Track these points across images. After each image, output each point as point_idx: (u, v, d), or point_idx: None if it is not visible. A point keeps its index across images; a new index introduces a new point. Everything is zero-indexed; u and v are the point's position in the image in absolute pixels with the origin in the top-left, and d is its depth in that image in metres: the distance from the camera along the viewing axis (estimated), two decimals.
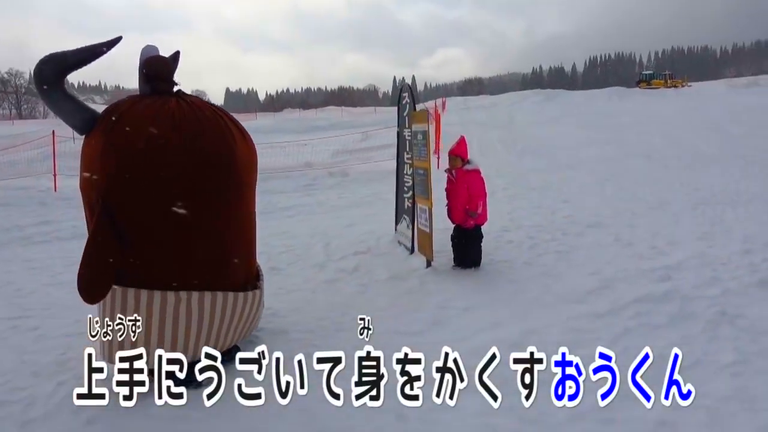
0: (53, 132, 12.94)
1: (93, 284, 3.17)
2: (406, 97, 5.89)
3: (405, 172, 6.03)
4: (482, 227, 5.21)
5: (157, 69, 3.50)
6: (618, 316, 3.89)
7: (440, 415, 2.85)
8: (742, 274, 4.59)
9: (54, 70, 3.20)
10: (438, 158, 13.27)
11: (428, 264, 5.24)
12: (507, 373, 3.16)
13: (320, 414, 2.91)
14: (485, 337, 3.68)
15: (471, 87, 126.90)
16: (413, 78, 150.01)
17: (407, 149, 5.95)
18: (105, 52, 3.36)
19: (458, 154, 5.08)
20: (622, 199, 8.27)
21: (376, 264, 5.50)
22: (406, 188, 6.03)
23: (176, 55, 3.67)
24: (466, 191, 4.97)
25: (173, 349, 3.15)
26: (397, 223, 6.36)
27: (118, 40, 3.43)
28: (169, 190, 3.15)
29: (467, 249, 5.14)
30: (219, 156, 3.28)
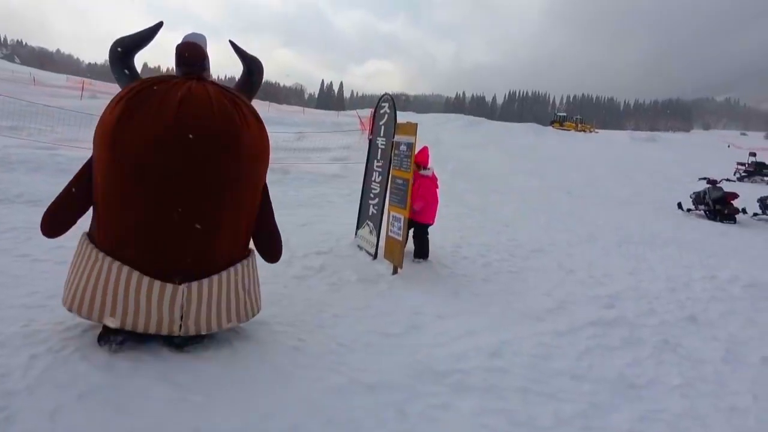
0: None
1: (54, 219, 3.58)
2: (385, 107, 6.05)
3: (373, 179, 6.18)
4: (429, 227, 6.08)
5: (184, 54, 3.52)
6: (577, 335, 4.26)
7: (438, 413, 3.01)
8: (673, 308, 5.18)
9: (114, 51, 3.49)
10: None
11: (395, 271, 5.41)
12: (493, 378, 3.43)
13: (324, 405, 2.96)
14: (464, 344, 3.91)
15: (397, 102, 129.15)
16: (341, 84, 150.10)
17: (378, 157, 6.11)
18: (151, 38, 3.62)
19: (419, 161, 5.75)
20: (555, 229, 8.92)
21: (341, 265, 5.59)
22: (372, 195, 6.18)
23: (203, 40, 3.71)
24: (417, 191, 5.59)
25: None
26: (358, 227, 6.48)
27: (159, 25, 3.65)
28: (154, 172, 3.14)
29: (419, 242, 5.96)
30: (218, 137, 3.21)
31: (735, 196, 11.79)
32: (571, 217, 10.64)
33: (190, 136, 3.12)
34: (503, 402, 3.16)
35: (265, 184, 3.78)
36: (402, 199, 5.30)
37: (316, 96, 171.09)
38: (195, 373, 3.11)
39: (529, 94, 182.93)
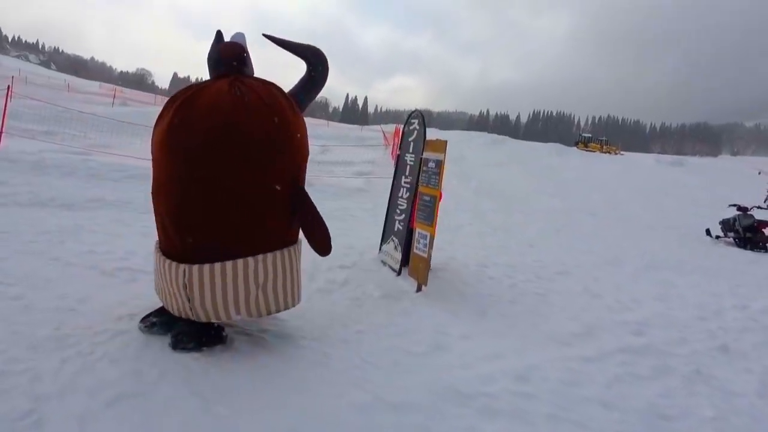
0: (8, 87, 12.12)
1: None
2: (415, 123, 6.07)
3: (400, 195, 6.18)
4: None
5: (219, 54, 3.62)
6: (606, 362, 4.16)
7: None
8: (704, 338, 5.04)
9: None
10: None
11: (419, 288, 5.38)
12: (520, 403, 3.36)
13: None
14: (490, 367, 3.85)
15: None
16: (366, 99, 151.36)
17: (406, 173, 6.12)
18: None
19: None
20: (580, 251, 8.80)
21: (365, 280, 5.58)
22: (398, 211, 6.17)
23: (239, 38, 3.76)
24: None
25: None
26: (383, 242, 6.47)
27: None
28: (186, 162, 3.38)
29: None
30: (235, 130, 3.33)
31: (767, 224, 11.51)
32: (596, 239, 10.50)
33: (183, 133, 3.38)
34: (531, 428, 3.08)
35: (298, 179, 3.70)
36: (428, 216, 5.28)
37: (341, 110, 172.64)
38: (220, 385, 3.11)
39: (554, 113, 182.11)
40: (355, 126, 58.15)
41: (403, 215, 6.01)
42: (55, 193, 7.92)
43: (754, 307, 6.23)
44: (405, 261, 5.84)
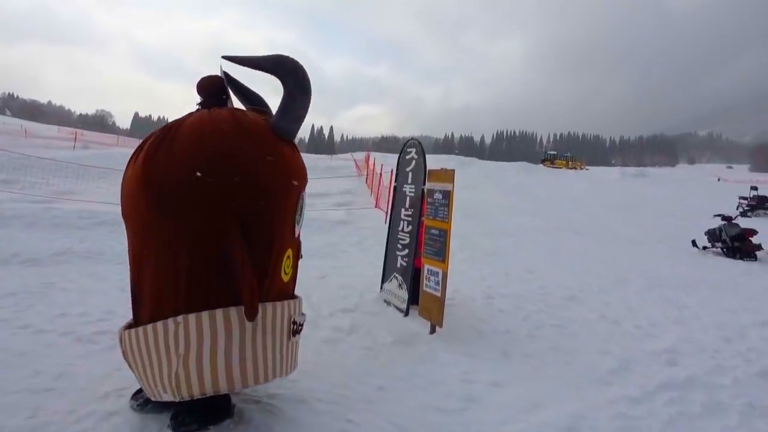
0: None
1: None
2: (412, 152, 5.72)
3: (401, 228, 5.79)
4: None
5: (198, 86, 3.20)
6: (653, 402, 3.80)
7: None
8: (739, 362, 4.75)
9: None
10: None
11: (433, 329, 4.96)
12: None
13: None
14: (533, 420, 3.44)
15: (386, 144, 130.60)
16: (331, 128, 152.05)
17: (406, 205, 5.74)
18: None
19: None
20: (579, 273, 8.52)
21: (372, 325, 5.12)
22: (400, 246, 5.77)
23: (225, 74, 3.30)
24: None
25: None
26: (384, 281, 6.04)
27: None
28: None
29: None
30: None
31: (753, 232, 11.52)
32: (589, 259, 10.26)
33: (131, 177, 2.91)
34: None
35: (240, 214, 2.81)
36: (439, 251, 4.89)
37: (307, 141, 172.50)
38: None
39: (517, 133, 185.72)
40: (324, 156, 57.93)
41: (407, 250, 5.61)
42: (17, 248, 7.24)
43: None
44: (413, 300, 5.42)
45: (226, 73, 3.31)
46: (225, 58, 3.13)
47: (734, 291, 7.89)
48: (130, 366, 2.97)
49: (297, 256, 3.30)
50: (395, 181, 6.06)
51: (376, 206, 15.33)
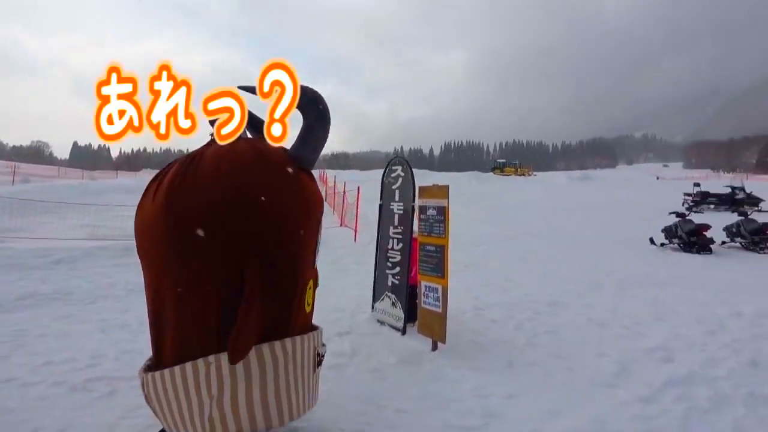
0: None
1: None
2: (398, 170, 5.73)
3: (391, 247, 5.77)
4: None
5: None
6: (663, 400, 3.91)
7: None
8: (728, 353, 4.95)
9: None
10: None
11: (434, 347, 4.94)
12: None
13: None
14: (556, 429, 3.46)
15: (337, 161, 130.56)
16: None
17: (395, 223, 5.73)
18: None
19: None
20: (556, 279, 8.70)
21: (372, 346, 5.06)
22: (390, 264, 5.75)
23: None
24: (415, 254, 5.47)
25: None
26: (375, 300, 5.98)
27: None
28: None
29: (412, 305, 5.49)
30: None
31: (707, 227, 12.11)
32: (558, 263, 10.49)
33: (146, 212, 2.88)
34: None
35: (256, 255, 2.73)
36: (437, 267, 4.90)
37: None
38: None
39: (464, 143, 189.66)
40: None
41: (398, 268, 5.59)
42: None
43: (747, 312, 6.30)
44: (409, 317, 5.40)
45: (244, 87, 3.22)
46: (241, 88, 3.04)
47: (702, 285, 8.24)
48: (154, 411, 2.82)
49: (316, 285, 3.23)
50: (380, 199, 6.04)
51: (341, 224, 15.24)
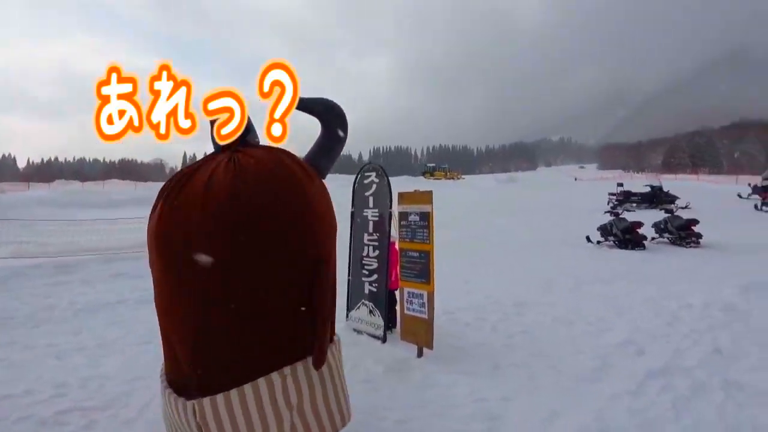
0: None
1: None
2: (372, 176, 5.69)
3: (366, 254, 5.71)
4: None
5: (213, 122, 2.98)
6: (648, 392, 4.09)
7: None
8: (691, 344, 5.26)
9: None
10: None
11: (420, 353, 4.93)
12: None
13: None
14: (562, 428, 3.54)
15: None
16: (205, 153, 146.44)
17: (369, 230, 5.68)
18: None
19: None
20: (513, 280, 8.93)
21: (355, 356, 4.96)
22: (366, 272, 5.69)
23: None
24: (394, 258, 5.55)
25: None
26: (350, 309, 5.89)
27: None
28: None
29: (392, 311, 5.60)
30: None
31: (640, 225, 12.89)
32: (510, 265, 10.80)
33: (180, 224, 2.66)
34: None
35: (320, 260, 2.76)
36: (422, 273, 4.90)
37: (178, 169, 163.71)
38: None
39: (392, 148, 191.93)
40: None
41: (375, 276, 5.54)
42: None
43: (695, 303, 6.74)
44: (389, 324, 5.37)
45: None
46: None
47: (645, 279, 8.74)
48: None
49: None
50: (352, 206, 5.97)
51: None
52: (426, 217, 4.90)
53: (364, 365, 4.76)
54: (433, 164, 77.12)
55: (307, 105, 3.15)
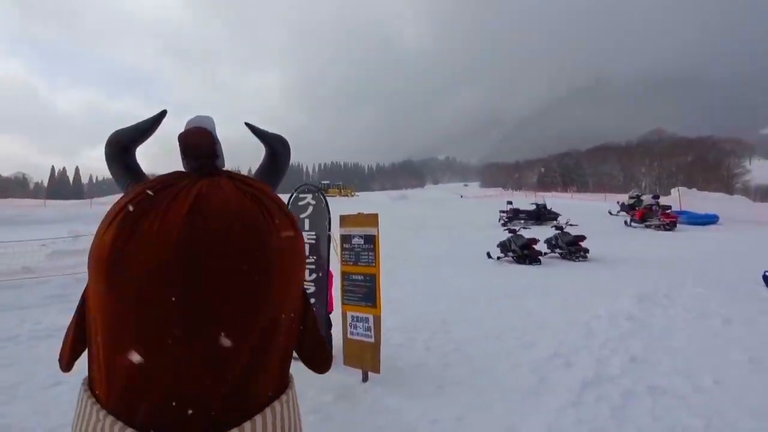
0: None
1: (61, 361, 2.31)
2: (308, 198, 5.54)
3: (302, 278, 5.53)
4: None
5: (191, 143, 2.70)
6: (587, 402, 4.34)
7: None
8: (610, 353, 5.67)
9: (111, 147, 2.39)
10: None
11: (365, 378, 4.85)
12: None
13: None
14: None
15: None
16: (77, 169, 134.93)
17: (307, 253, 5.52)
18: (153, 129, 2.51)
19: None
20: (431, 297, 9.11)
21: (300, 385, 4.74)
22: None
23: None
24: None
25: None
26: None
27: (163, 114, 2.58)
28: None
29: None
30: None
31: (536, 241, 13.78)
32: (423, 282, 11.03)
33: (202, 256, 2.43)
34: None
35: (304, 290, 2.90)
36: (368, 297, 4.84)
37: (45, 185, 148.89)
38: None
39: None
40: (81, 201, 51.11)
41: (314, 299, 5.39)
42: None
43: (602, 314, 7.33)
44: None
45: (249, 125, 2.94)
46: (247, 124, 2.76)
47: (550, 293, 9.34)
48: None
49: None
50: None
51: None
52: (371, 240, 4.87)
53: (310, 394, 4.58)
54: (327, 181, 77.33)
55: (267, 137, 3.05)
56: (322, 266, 5.35)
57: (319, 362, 2.83)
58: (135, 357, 2.33)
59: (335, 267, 5.42)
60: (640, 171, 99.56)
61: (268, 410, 2.40)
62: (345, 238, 5.05)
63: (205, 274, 2.30)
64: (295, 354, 3.00)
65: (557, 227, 15.42)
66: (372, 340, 4.78)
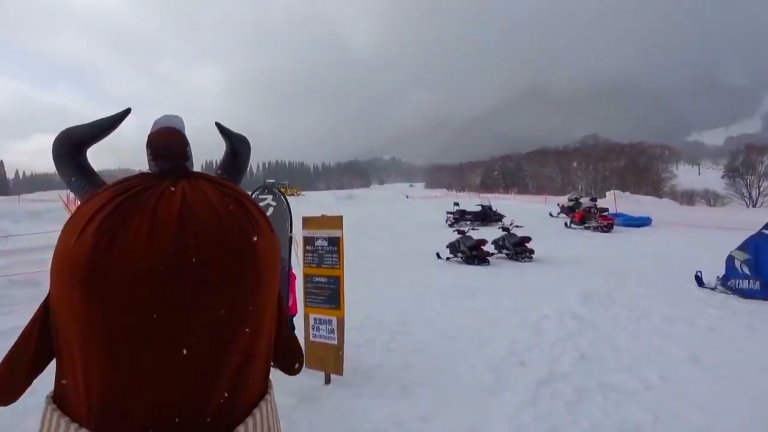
0: None
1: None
2: (267, 200, 5.48)
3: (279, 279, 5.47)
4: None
5: (162, 144, 2.61)
6: (543, 399, 4.53)
7: None
8: (560, 352, 5.92)
9: (61, 144, 2.22)
10: None
11: (328, 380, 4.86)
12: None
13: None
14: None
15: None
16: (1, 163, 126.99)
17: None
18: (113, 128, 2.38)
19: None
20: (383, 298, 9.19)
21: None
22: None
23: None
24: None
25: None
26: None
27: (127, 112, 2.44)
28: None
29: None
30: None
31: (484, 242, 14.14)
32: (374, 282, 11.10)
33: (194, 260, 2.39)
34: None
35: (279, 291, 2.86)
36: (331, 299, 4.84)
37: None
38: None
39: None
40: (4, 197, 48.18)
41: None
42: None
43: (549, 313, 7.63)
44: None
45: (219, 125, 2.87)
46: (217, 123, 2.69)
47: (499, 293, 9.61)
48: None
49: None
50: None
51: None
52: (336, 242, 4.88)
53: (276, 399, 4.54)
54: (273, 180, 76.06)
55: (232, 136, 3.01)
56: (284, 268, 5.30)
57: (292, 363, 2.83)
58: (126, 367, 2.24)
59: (297, 269, 5.40)
60: (577, 174, 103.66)
61: (256, 411, 2.38)
62: (308, 240, 5.04)
63: (200, 280, 2.24)
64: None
65: (504, 228, 15.88)
66: (335, 342, 4.80)
